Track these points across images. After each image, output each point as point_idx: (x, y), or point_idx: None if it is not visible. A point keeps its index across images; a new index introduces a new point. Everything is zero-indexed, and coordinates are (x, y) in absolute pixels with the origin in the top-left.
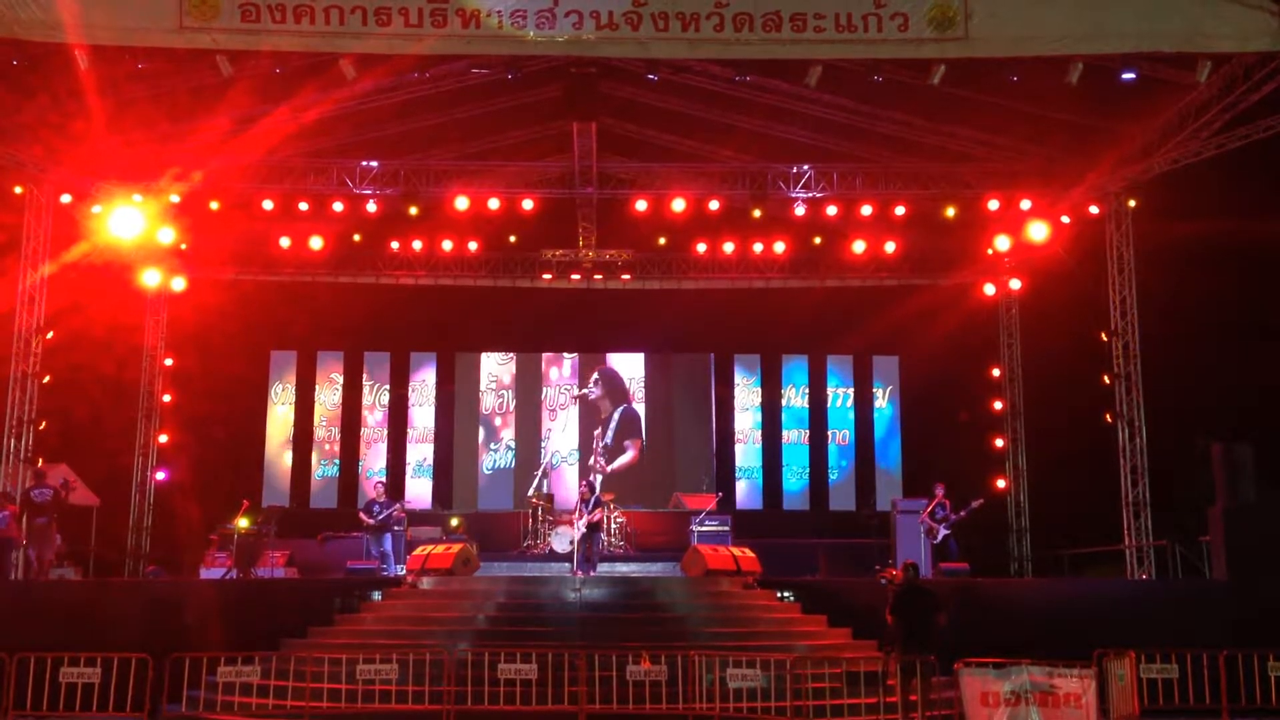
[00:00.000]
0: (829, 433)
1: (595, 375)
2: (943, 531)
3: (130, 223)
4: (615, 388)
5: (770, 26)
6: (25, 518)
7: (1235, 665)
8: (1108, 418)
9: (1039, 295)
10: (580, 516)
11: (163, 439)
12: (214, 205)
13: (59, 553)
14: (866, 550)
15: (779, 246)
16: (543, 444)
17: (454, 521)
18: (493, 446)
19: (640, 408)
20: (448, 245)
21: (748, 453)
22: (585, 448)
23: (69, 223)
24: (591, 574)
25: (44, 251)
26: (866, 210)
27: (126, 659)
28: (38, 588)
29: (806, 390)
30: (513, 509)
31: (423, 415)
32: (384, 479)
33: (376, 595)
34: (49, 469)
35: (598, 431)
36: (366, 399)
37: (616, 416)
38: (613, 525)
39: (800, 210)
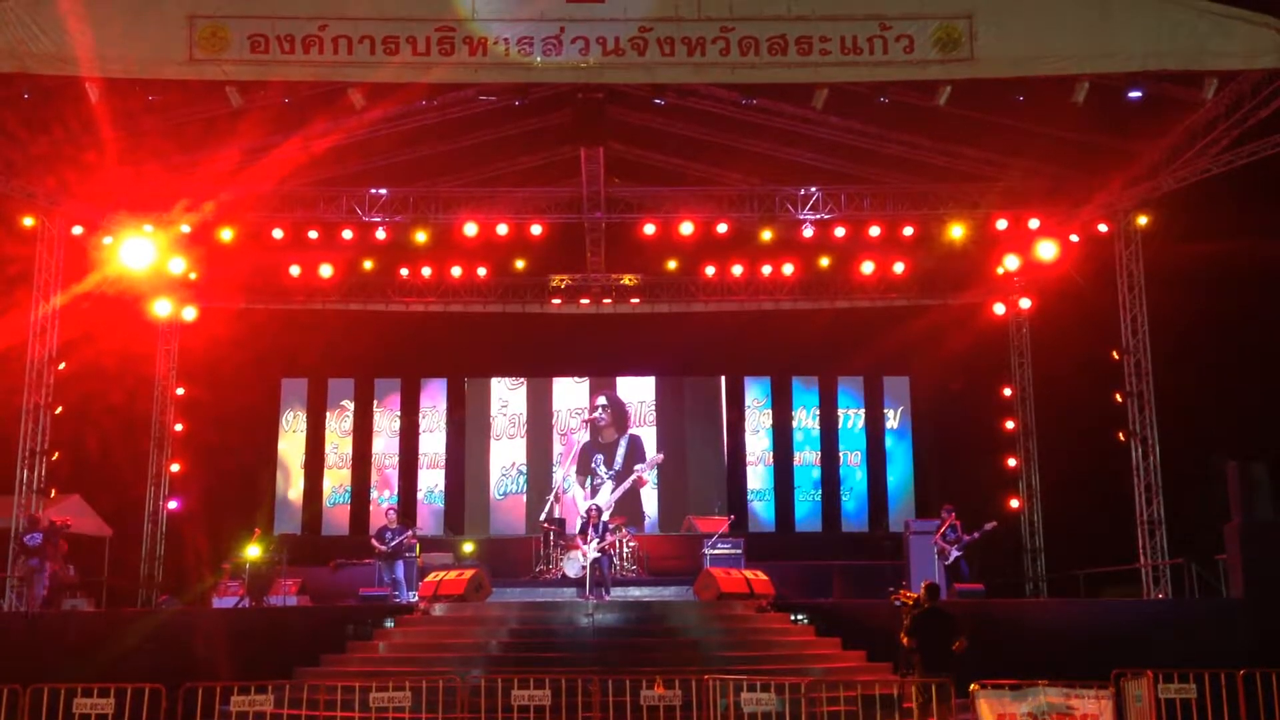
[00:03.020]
0: (840, 454)
1: (604, 400)
2: (954, 553)
3: (141, 253)
4: (621, 414)
5: (776, 50)
6: (18, 560)
7: (1254, 684)
8: (1121, 436)
9: (1049, 314)
10: (587, 541)
11: (174, 468)
12: (225, 235)
13: (70, 584)
14: (880, 572)
15: (788, 268)
16: (554, 469)
17: (469, 547)
18: (504, 472)
19: (651, 431)
20: (457, 271)
21: (759, 475)
22: (592, 472)
23: (80, 254)
24: (606, 598)
25: (56, 283)
26: (875, 231)
27: (140, 689)
28: (51, 619)
29: (817, 412)
30: (524, 534)
31: (433, 441)
32: (395, 505)
33: (389, 622)
34: (60, 500)
35: (599, 456)
36: (377, 425)
37: (624, 443)
38: (625, 549)
39: (808, 232)
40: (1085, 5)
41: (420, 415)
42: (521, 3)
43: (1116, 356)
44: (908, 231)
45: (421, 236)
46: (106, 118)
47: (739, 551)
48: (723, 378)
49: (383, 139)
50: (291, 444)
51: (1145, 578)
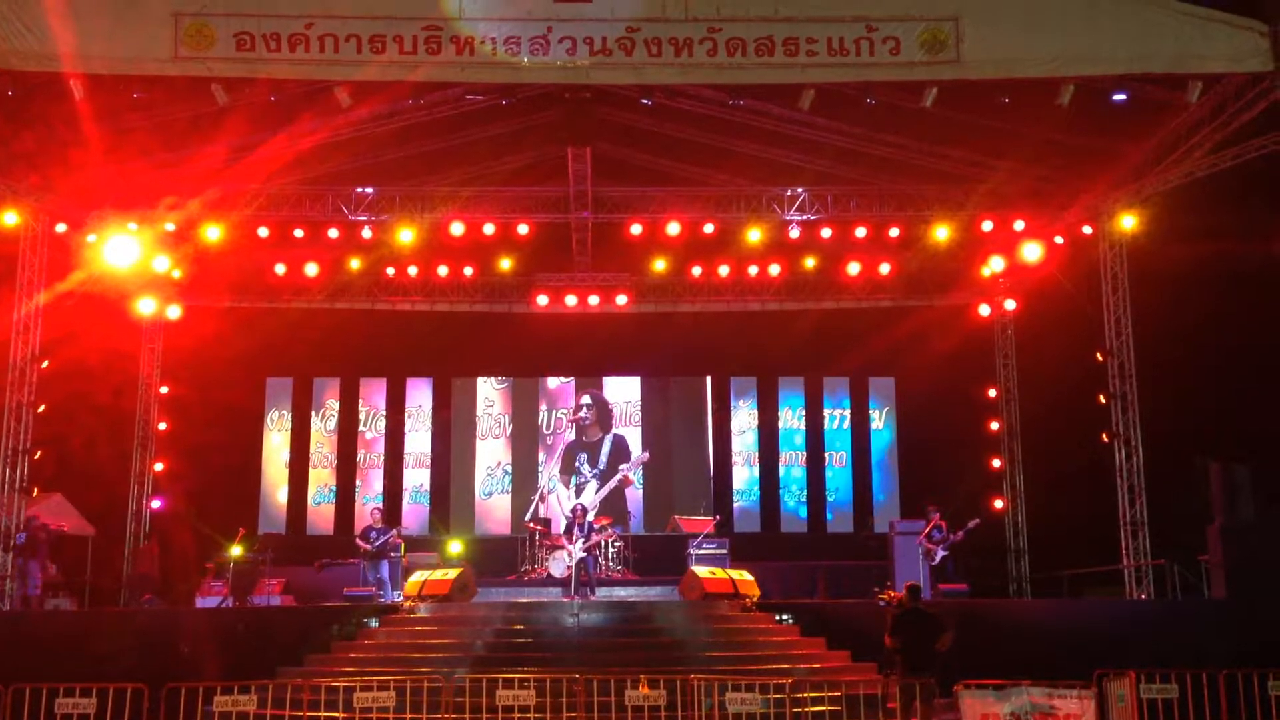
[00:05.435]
0: (826, 454)
1: (588, 399)
2: (940, 553)
3: (125, 251)
4: (605, 413)
5: (763, 51)
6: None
7: (1235, 685)
8: (1104, 437)
9: (1034, 315)
10: (573, 540)
11: (158, 467)
12: (210, 234)
13: (54, 582)
14: (865, 572)
15: (774, 269)
16: (539, 468)
17: (456, 546)
18: (489, 471)
19: (636, 431)
20: (443, 271)
21: (745, 475)
22: (576, 471)
23: (64, 251)
24: (591, 598)
25: (39, 280)
26: (861, 232)
27: (122, 689)
28: (33, 618)
29: (803, 412)
30: (510, 534)
31: (419, 440)
32: (380, 505)
33: (374, 622)
34: (43, 498)
35: (583, 455)
36: (363, 425)
37: (608, 442)
38: (610, 549)
39: (795, 233)
40: (1070, 8)
41: (406, 415)
42: (508, 2)
43: (1100, 358)
44: (894, 233)
45: (408, 236)
46: (91, 115)
47: (724, 551)
48: (709, 378)
49: (369, 138)
50: (276, 443)
51: (1128, 578)
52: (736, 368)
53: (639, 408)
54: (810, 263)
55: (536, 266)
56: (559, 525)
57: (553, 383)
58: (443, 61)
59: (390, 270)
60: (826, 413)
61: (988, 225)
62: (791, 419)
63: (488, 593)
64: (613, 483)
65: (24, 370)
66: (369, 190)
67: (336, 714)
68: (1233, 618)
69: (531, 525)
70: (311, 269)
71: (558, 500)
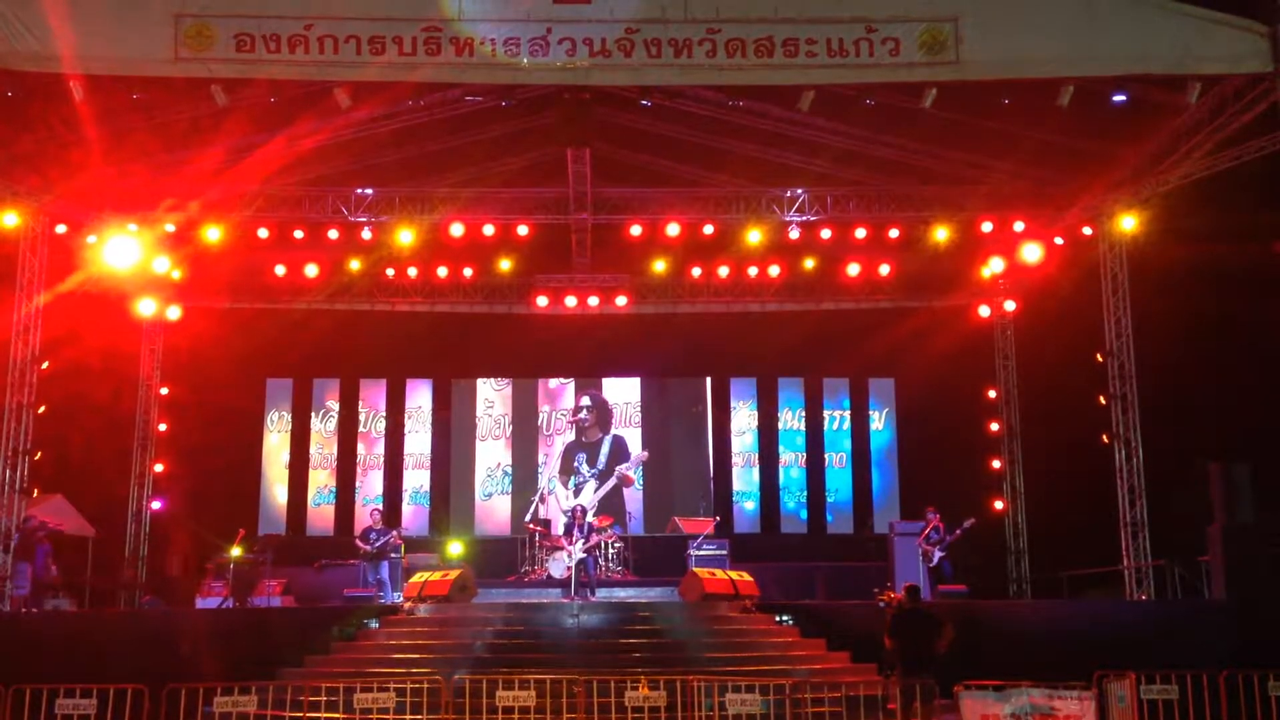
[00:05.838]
0: (826, 455)
1: (587, 400)
2: (937, 554)
3: (125, 252)
4: (605, 414)
5: (762, 52)
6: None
7: (1235, 685)
8: (1104, 438)
9: (1034, 316)
10: (573, 541)
11: (158, 468)
12: (210, 234)
13: (53, 583)
14: (865, 573)
15: (774, 270)
16: (539, 469)
17: (456, 548)
18: (489, 472)
19: (635, 432)
20: (443, 272)
21: (745, 476)
22: (575, 471)
23: (64, 252)
24: (591, 599)
25: (39, 281)
26: (860, 233)
27: (123, 690)
28: (33, 619)
29: (803, 413)
30: (510, 535)
31: (419, 442)
32: (380, 506)
33: (374, 623)
34: (43, 499)
35: (582, 455)
36: (362, 426)
37: (607, 442)
38: (610, 550)
39: (794, 234)
40: (1070, 9)
41: (406, 416)
42: (508, 3)
43: (1100, 359)
44: (893, 234)
45: (407, 237)
46: (90, 116)
47: (724, 552)
48: (708, 379)
49: (369, 139)
50: (276, 444)
51: (1128, 579)
52: (736, 369)
53: (639, 409)
54: (810, 264)
55: (536, 267)
56: (559, 526)
57: (553, 384)
58: (442, 62)
59: (390, 271)
60: (826, 413)
61: (987, 226)
62: (791, 420)
63: (487, 594)
64: (611, 482)
65: (24, 371)
66: (368, 191)
67: (336, 715)
68: (1232, 618)
69: (531, 526)
70: (311, 270)
71: (557, 501)
